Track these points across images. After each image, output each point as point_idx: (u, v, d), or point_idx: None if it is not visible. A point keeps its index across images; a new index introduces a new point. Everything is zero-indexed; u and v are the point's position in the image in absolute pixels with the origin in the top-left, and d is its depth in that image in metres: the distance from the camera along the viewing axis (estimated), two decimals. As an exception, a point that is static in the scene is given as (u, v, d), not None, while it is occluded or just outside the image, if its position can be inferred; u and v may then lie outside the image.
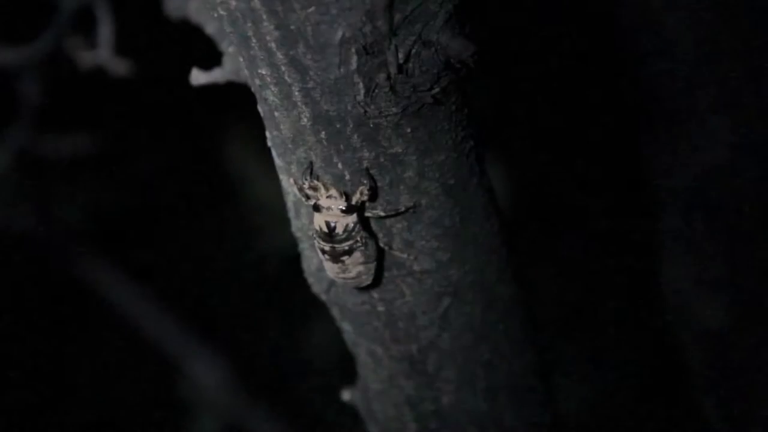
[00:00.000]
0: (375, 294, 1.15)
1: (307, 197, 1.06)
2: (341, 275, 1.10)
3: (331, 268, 1.10)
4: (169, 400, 3.04)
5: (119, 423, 3.05)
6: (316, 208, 1.05)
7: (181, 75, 1.34)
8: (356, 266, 1.08)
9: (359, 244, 1.07)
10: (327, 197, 1.04)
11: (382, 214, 1.06)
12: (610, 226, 2.79)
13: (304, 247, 1.19)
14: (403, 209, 1.07)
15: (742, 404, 2.08)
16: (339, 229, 1.05)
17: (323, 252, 1.09)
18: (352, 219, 1.05)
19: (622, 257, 2.77)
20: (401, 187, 1.06)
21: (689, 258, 2.10)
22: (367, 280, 1.11)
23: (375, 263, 1.09)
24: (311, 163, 1.04)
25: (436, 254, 1.12)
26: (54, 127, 2.26)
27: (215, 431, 3.01)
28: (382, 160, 1.03)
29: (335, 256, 1.08)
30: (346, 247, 1.07)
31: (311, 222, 1.08)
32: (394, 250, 1.10)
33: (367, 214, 1.06)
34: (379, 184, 1.04)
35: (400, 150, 1.03)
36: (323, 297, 1.21)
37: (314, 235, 1.08)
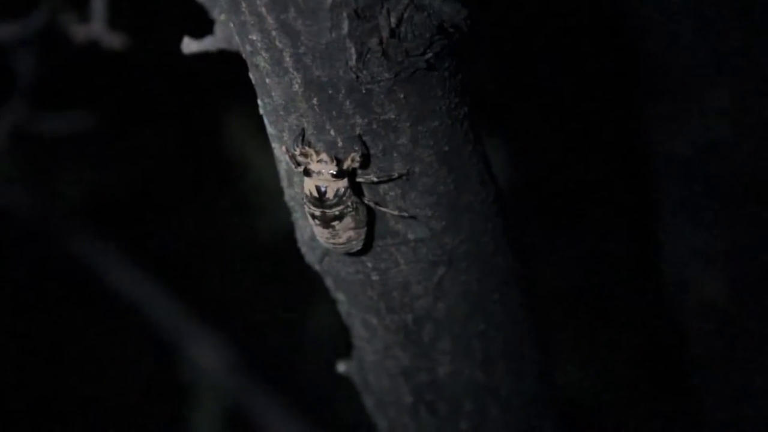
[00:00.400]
0: (369, 263, 1.14)
1: (298, 164, 1.04)
2: (331, 241, 1.09)
3: (321, 234, 1.09)
4: (170, 382, 3.04)
5: (120, 405, 3.05)
6: (307, 172, 1.04)
7: (174, 45, 1.33)
8: (346, 231, 1.07)
9: (350, 209, 1.06)
10: (318, 162, 1.03)
11: (375, 179, 1.05)
12: (609, 202, 2.78)
13: (297, 216, 1.18)
14: (396, 175, 1.05)
15: (742, 376, 2.08)
16: (329, 194, 1.04)
17: (313, 217, 1.08)
18: (342, 184, 1.04)
19: (621, 234, 2.76)
20: (394, 154, 1.04)
21: (689, 230, 2.10)
22: (357, 245, 1.10)
23: (366, 228, 1.08)
24: (303, 129, 1.03)
25: (431, 222, 1.11)
26: (49, 103, 2.25)
27: (216, 412, 3.00)
28: (374, 126, 1.02)
29: (325, 221, 1.07)
30: (337, 212, 1.06)
31: (303, 189, 1.07)
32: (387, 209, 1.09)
33: (360, 179, 1.05)
34: (372, 151, 1.03)
35: (393, 116, 1.02)
36: (317, 267, 1.20)
37: (305, 200, 1.07)
